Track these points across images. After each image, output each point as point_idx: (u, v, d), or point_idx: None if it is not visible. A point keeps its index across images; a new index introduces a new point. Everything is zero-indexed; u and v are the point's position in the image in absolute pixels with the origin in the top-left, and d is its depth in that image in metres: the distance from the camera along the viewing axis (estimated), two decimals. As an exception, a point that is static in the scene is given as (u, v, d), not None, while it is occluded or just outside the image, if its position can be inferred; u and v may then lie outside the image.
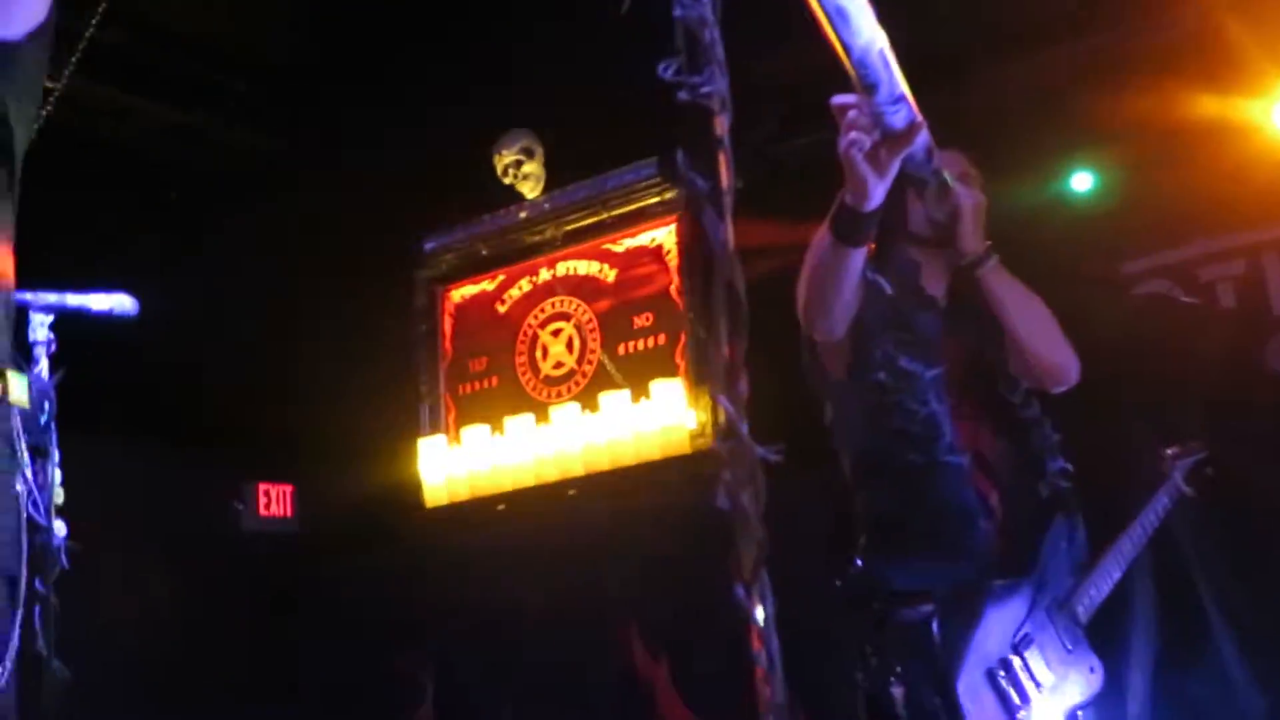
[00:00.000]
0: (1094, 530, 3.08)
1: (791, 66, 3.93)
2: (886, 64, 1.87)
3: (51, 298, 3.23)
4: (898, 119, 2.05)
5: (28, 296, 3.13)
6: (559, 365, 6.35)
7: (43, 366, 3.08)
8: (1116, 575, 3.15)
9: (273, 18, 6.13)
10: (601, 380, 6.12)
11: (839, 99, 2.09)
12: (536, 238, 6.50)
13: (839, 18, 1.72)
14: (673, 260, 6.08)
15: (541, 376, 6.39)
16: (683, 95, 1.26)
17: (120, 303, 3.41)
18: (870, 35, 1.78)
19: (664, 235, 6.15)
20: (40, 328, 3.14)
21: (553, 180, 6.43)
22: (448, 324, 6.75)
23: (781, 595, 1.24)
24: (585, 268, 6.39)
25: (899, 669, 2.71)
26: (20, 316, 3.01)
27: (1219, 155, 4.68)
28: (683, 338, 5.96)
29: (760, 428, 1.24)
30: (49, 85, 3.95)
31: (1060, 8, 5.02)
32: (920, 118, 2.10)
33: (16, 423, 2.00)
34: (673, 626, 5.37)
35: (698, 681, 5.26)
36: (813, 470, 2.92)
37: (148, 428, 6.13)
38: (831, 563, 2.91)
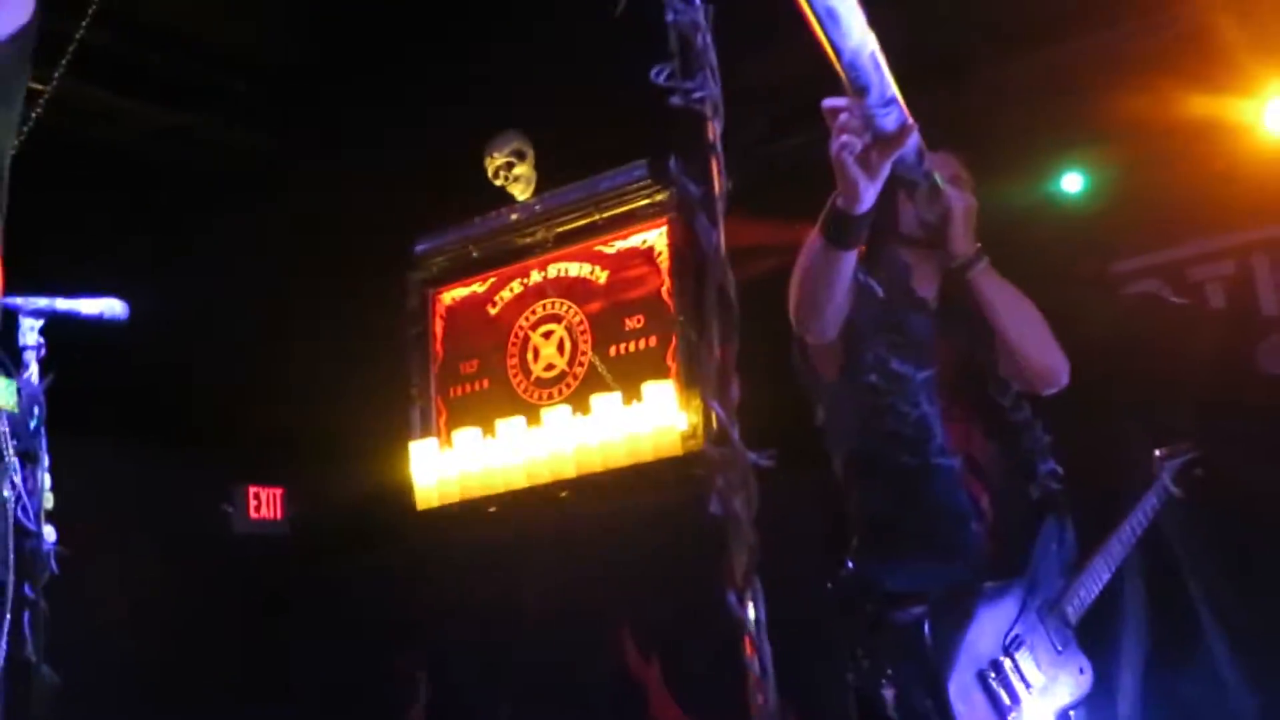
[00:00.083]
0: (1084, 531, 3.09)
1: (783, 67, 3.93)
2: (877, 66, 1.87)
3: (41, 302, 3.21)
4: (889, 121, 2.05)
5: (17, 301, 3.12)
6: (550, 367, 6.34)
7: (32, 371, 3.06)
8: (1106, 576, 3.15)
9: (265, 20, 6.12)
10: (593, 382, 6.12)
11: (830, 102, 2.09)
12: (527, 240, 6.49)
13: (829, 20, 1.72)
14: (664, 262, 6.08)
15: (533, 378, 6.38)
16: (675, 100, 1.25)
17: (110, 307, 3.39)
18: (861, 38, 1.78)
19: (655, 237, 6.15)
20: (30, 332, 3.12)
21: (544, 182, 6.43)
22: (439, 326, 6.75)
23: (773, 596, 1.24)
24: (576, 269, 6.39)
25: (890, 670, 2.71)
26: (10, 321, 3.01)
27: (1209, 156, 4.69)
28: (674, 339, 5.96)
29: (752, 430, 1.24)
30: (38, 87, 3.94)
31: (1051, 10, 5.03)
32: (911, 120, 2.10)
33: (5, 428, 1.99)
34: (665, 627, 5.37)
35: (690, 682, 5.27)
36: (805, 472, 2.92)
37: (139, 430, 6.12)
38: (825, 564, 2.91)
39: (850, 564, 2.87)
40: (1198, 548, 4.41)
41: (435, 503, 6.30)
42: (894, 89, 1.97)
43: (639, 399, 5.83)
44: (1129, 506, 3.37)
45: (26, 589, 2.60)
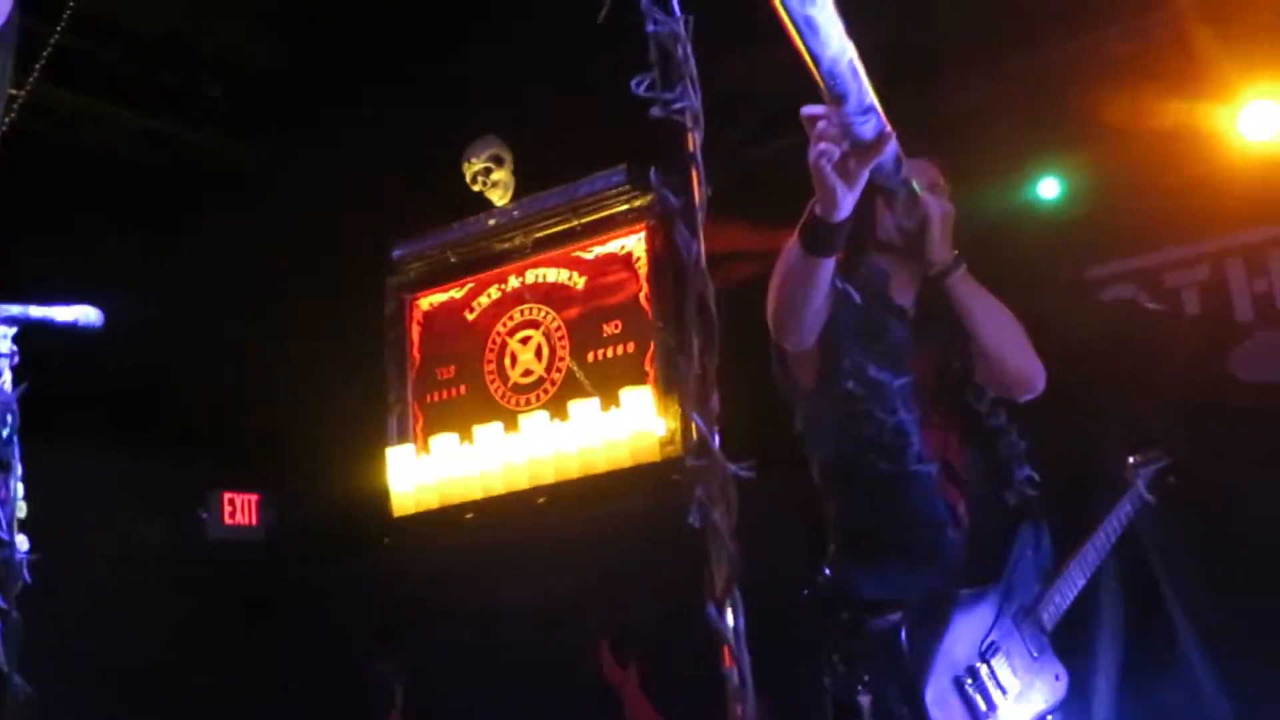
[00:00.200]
0: (1060, 538, 3.10)
1: (762, 71, 3.94)
2: (856, 74, 1.87)
3: (14, 309, 3.18)
4: (867, 129, 2.05)
5: (-10, 309, 3.09)
6: (528, 373, 6.33)
7: (5, 379, 3.03)
8: (1081, 582, 3.17)
9: (246, 24, 6.11)
10: (571, 388, 6.11)
11: (808, 109, 2.08)
12: (506, 245, 6.48)
13: (808, 29, 1.72)
14: (642, 268, 6.08)
15: (510, 384, 6.37)
16: (655, 111, 1.25)
17: (85, 314, 3.36)
18: (839, 46, 1.78)
19: (633, 243, 6.14)
20: (3, 340, 3.09)
21: (522, 187, 6.42)
22: (416, 332, 6.73)
23: (751, 602, 1.24)
24: (554, 275, 6.38)
25: (867, 677, 2.71)
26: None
27: (1185, 162, 4.72)
28: (652, 345, 5.95)
29: (731, 436, 1.24)
30: (13, 92, 3.91)
31: (1026, 17, 5.05)
32: (889, 128, 2.10)
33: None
34: (643, 632, 5.37)
35: (668, 686, 5.27)
36: (784, 478, 2.92)
37: (115, 436, 6.09)
38: (804, 570, 2.92)
39: (828, 570, 2.88)
40: (1173, 553, 4.43)
41: (413, 509, 6.27)
42: (872, 97, 1.97)
43: (617, 405, 5.83)
44: (1104, 513, 3.39)
45: (-1, 599, 2.58)
